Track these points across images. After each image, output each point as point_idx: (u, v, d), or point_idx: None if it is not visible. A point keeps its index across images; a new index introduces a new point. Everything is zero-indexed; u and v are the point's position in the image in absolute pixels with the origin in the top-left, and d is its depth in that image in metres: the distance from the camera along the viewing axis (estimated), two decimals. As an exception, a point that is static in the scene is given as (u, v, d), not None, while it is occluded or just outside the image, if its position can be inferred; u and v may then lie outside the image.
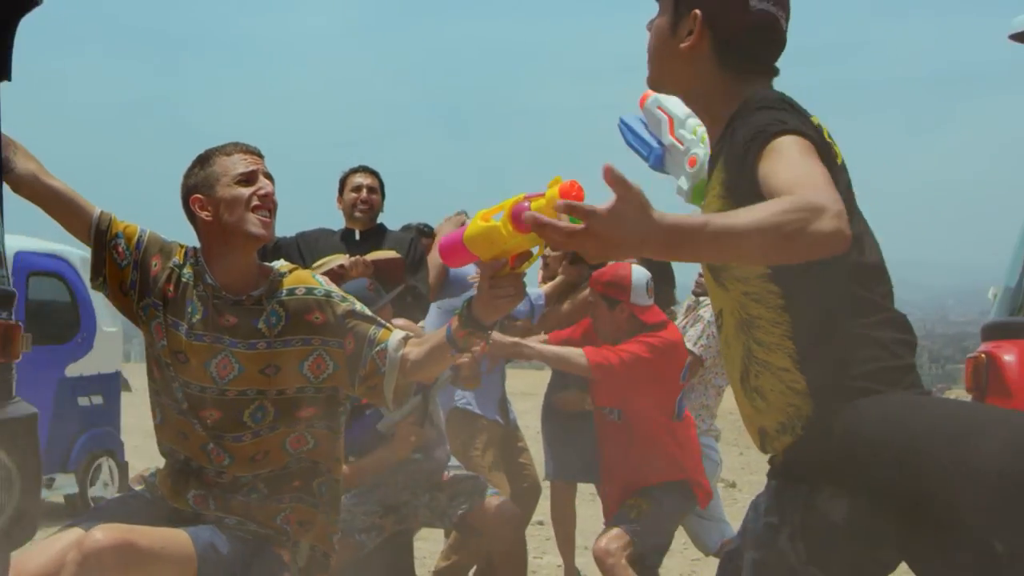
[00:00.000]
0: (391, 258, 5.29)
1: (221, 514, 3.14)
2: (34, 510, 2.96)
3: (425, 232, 6.16)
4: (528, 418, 7.51)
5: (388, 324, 3.20)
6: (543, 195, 2.48)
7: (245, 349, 3.11)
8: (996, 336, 3.07)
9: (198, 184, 3.15)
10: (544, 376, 6.36)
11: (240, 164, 3.15)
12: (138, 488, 3.29)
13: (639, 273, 4.84)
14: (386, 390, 3.11)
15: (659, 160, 2.62)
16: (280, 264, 3.26)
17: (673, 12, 2.31)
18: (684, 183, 2.57)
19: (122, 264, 3.17)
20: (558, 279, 5.88)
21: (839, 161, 2.20)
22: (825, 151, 2.11)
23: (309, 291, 3.16)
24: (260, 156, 3.18)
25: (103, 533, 2.86)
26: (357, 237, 5.54)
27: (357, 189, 5.60)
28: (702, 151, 2.57)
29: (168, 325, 3.13)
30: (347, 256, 5.15)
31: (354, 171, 5.68)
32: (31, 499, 2.94)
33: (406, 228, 6.10)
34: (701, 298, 5.77)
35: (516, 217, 2.55)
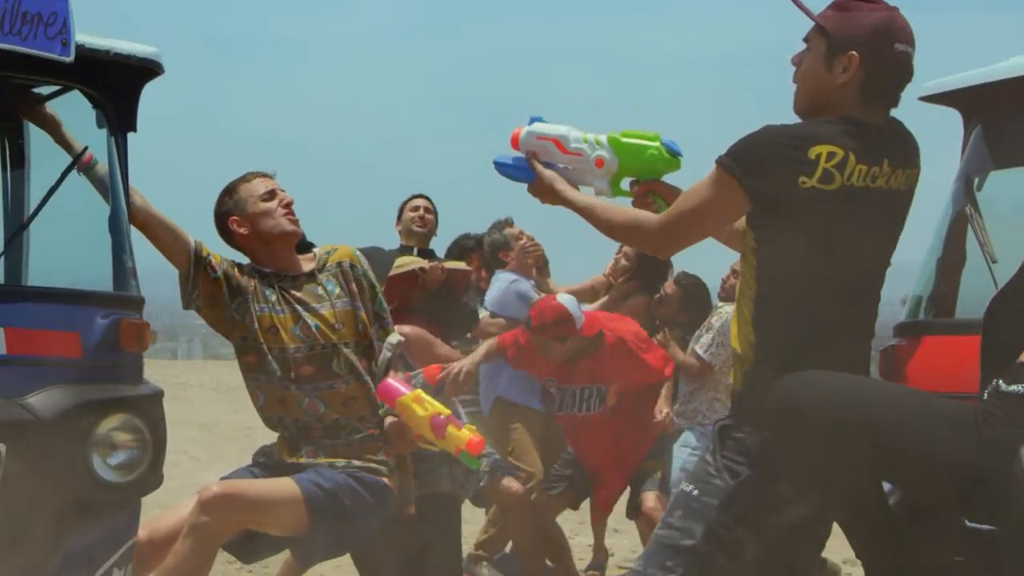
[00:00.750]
0: (462, 269, 6.00)
1: (331, 459, 3.84)
2: (160, 466, 3.72)
3: (482, 243, 6.78)
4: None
5: (392, 325, 4.08)
6: (460, 428, 3.75)
7: (314, 313, 3.89)
8: (901, 334, 3.81)
9: (231, 209, 3.95)
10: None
11: (260, 186, 3.96)
12: (260, 459, 4.00)
13: (569, 301, 5.43)
14: (378, 372, 3.97)
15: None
16: (322, 247, 4.08)
17: (827, 51, 2.85)
18: (600, 183, 3.10)
19: (214, 276, 3.89)
20: (610, 295, 6.44)
21: (807, 185, 2.70)
22: (752, 179, 2.75)
23: (352, 266, 3.99)
24: (272, 176, 4.03)
25: (217, 485, 3.59)
26: (415, 253, 6.09)
27: (415, 209, 6.24)
28: (604, 151, 3.09)
29: (258, 311, 3.86)
30: (426, 261, 5.82)
31: (413, 197, 6.33)
32: (159, 457, 3.71)
33: (464, 238, 6.71)
34: (718, 304, 6.18)
35: (433, 426, 3.71)
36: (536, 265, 6.50)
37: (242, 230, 3.91)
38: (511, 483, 5.40)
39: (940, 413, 2.74)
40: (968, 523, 3.10)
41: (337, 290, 3.93)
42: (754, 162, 2.74)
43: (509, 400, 6.19)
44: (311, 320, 3.87)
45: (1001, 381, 2.73)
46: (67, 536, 3.41)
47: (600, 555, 6.76)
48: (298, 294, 3.90)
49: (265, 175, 3.98)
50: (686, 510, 2.87)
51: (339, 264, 3.98)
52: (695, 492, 2.87)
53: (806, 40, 2.91)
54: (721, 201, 2.80)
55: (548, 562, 5.91)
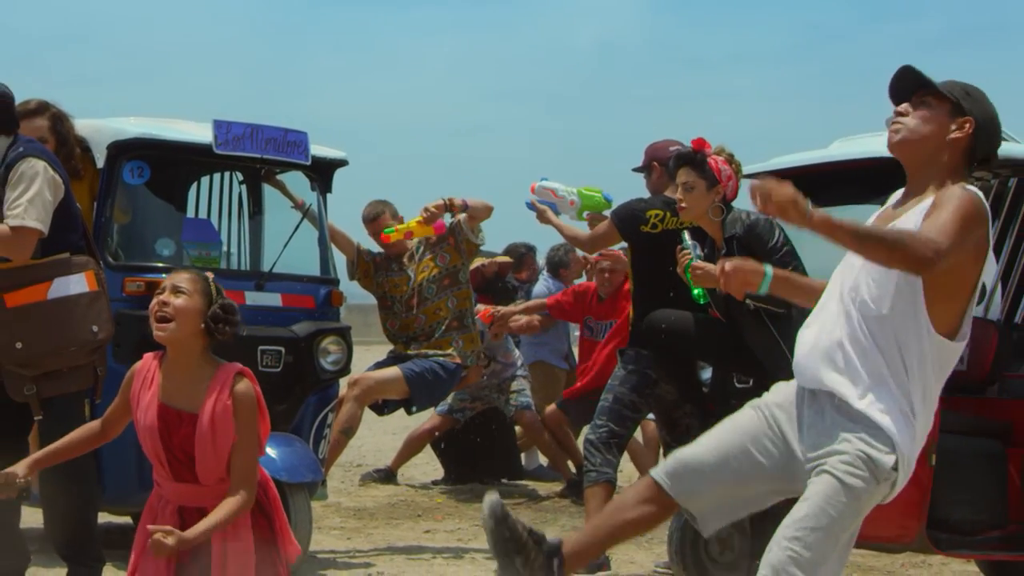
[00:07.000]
0: (505, 262, 9.59)
1: (426, 351, 7.22)
2: (350, 363, 6.94)
3: (531, 248, 10.07)
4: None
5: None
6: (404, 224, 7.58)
7: (414, 269, 7.31)
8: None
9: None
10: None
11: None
12: (390, 353, 7.52)
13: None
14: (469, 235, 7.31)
15: (556, 209, 6.35)
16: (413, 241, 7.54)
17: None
18: (571, 214, 6.34)
19: (367, 259, 7.43)
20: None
21: (644, 229, 6.12)
22: (623, 225, 6.17)
23: (429, 236, 7.35)
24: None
25: (358, 375, 7.13)
26: None
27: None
28: (575, 197, 6.32)
29: (388, 276, 7.41)
30: (485, 259, 9.22)
31: None
32: (350, 359, 6.80)
33: (519, 245, 10.03)
34: None
35: (409, 232, 7.19)
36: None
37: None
38: (527, 413, 8.97)
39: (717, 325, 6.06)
40: (736, 383, 6.20)
41: (422, 248, 7.31)
42: (629, 216, 6.18)
43: (546, 362, 9.61)
44: (413, 274, 7.29)
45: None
46: (308, 395, 6.49)
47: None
48: (405, 260, 7.34)
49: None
50: (607, 390, 6.14)
51: (420, 240, 7.34)
52: (612, 381, 6.19)
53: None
54: (613, 235, 6.30)
55: (572, 465, 8.83)
